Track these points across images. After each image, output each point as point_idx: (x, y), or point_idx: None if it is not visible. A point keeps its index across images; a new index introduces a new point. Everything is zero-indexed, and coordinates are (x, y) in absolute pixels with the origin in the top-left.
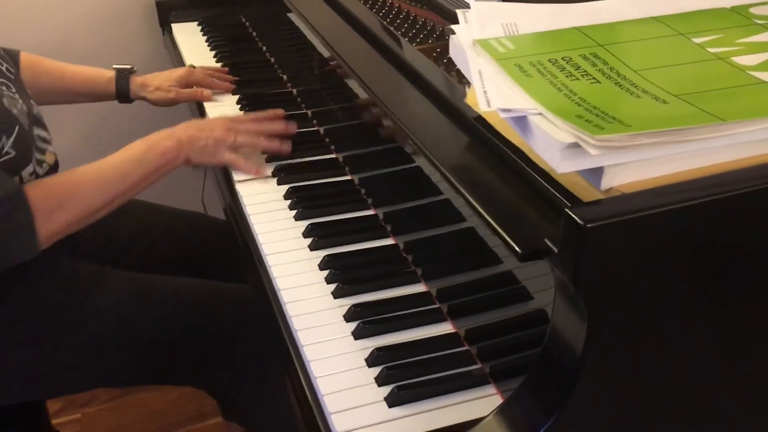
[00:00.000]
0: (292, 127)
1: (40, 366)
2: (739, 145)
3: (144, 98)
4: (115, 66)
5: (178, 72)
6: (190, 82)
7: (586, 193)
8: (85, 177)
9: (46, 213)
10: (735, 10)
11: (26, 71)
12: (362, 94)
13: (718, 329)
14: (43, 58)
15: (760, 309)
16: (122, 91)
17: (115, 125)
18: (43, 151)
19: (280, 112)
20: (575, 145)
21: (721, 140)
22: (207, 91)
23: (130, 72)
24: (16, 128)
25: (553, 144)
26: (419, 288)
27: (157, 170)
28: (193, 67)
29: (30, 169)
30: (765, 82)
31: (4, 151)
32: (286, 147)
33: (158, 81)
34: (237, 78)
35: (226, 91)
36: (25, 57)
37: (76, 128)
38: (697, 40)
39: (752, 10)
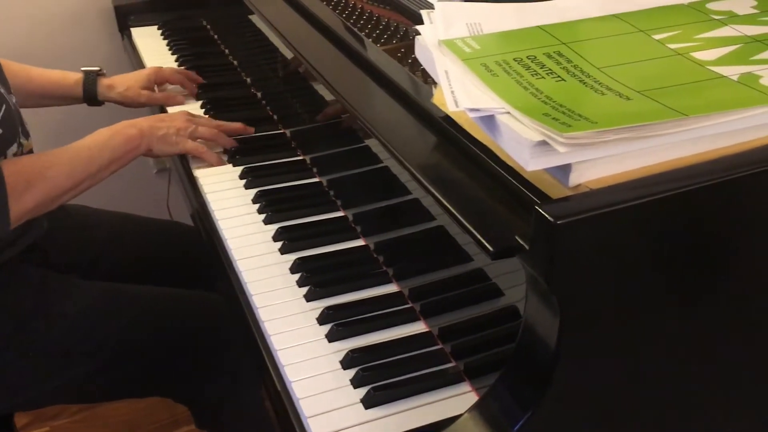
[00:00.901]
0: (250, 130)
1: (8, 373)
2: (701, 138)
3: (113, 100)
4: (82, 68)
5: (146, 72)
6: (158, 80)
7: (554, 190)
8: (54, 159)
9: (19, 192)
10: (692, 6)
11: None
12: (328, 96)
13: (690, 320)
14: (9, 62)
15: (730, 299)
16: (90, 94)
17: (88, 129)
18: (27, 136)
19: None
20: (543, 143)
21: (684, 134)
22: (180, 97)
23: (98, 74)
24: (3, 107)
25: (521, 142)
26: (391, 288)
27: (120, 157)
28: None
29: (14, 149)
30: (724, 76)
31: None
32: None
33: (126, 82)
34: (202, 79)
35: (192, 93)
36: None
37: (48, 131)
38: (657, 37)
39: (709, 5)
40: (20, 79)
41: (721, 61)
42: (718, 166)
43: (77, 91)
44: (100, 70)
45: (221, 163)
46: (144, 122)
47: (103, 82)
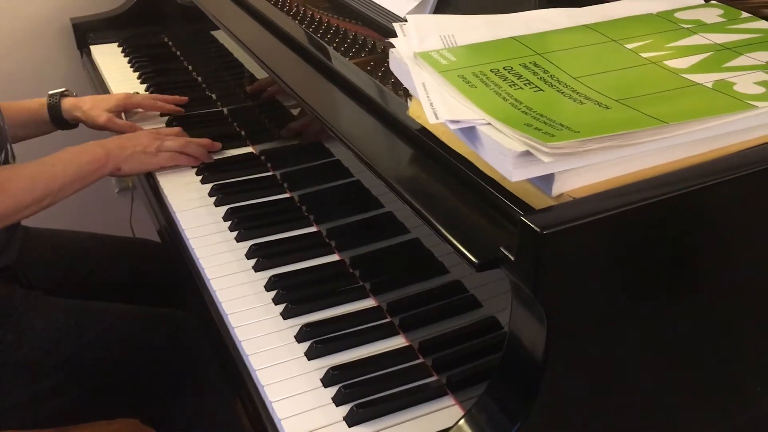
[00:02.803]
0: (217, 146)
1: None
2: (680, 145)
3: (77, 119)
4: (49, 92)
5: (116, 96)
6: (129, 107)
7: (536, 199)
8: (15, 173)
9: None
10: (661, 15)
11: None
12: (297, 110)
13: (676, 326)
14: None
15: (716, 303)
16: (55, 114)
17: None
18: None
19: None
20: (527, 153)
21: (664, 142)
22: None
23: (62, 95)
24: None
25: (504, 153)
26: (369, 303)
27: (85, 176)
28: (136, 93)
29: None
30: (698, 84)
31: None
32: (208, 158)
33: (92, 102)
34: (185, 98)
35: (173, 111)
36: None
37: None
38: (629, 46)
39: (677, 15)
40: None
41: (694, 68)
42: (698, 171)
43: (43, 114)
44: (65, 91)
45: (195, 162)
46: (111, 143)
47: (68, 101)
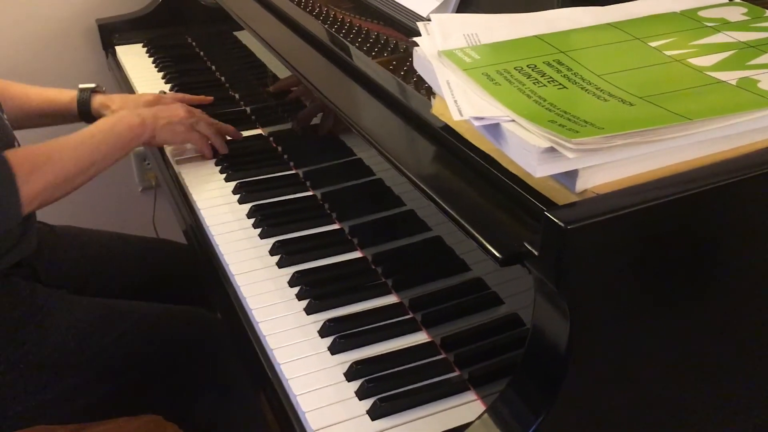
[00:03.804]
0: (240, 135)
1: None
2: (704, 142)
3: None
4: (80, 86)
5: (146, 97)
6: None
7: (560, 196)
8: (59, 144)
9: (25, 174)
10: (684, 14)
11: None
12: (320, 108)
13: (701, 322)
14: (8, 82)
15: (743, 300)
16: (84, 110)
17: None
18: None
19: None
20: (551, 150)
21: (688, 138)
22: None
23: (93, 91)
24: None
25: (529, 149)
26: (391, 299)
27: (125, 144)
28: (164, 93)
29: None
30: (723, 81)
31: None
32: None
33: (122, 102)
34: (210, 98)
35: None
36: None
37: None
38: (653, 44)
39: (701, 13)
40: (18, 99)
41: (718, 66)
42: (722, 168)
43: (72, 108)
44: (96, 87)
45: (212, 156)
46: (146, 111)
47: (98, 99)
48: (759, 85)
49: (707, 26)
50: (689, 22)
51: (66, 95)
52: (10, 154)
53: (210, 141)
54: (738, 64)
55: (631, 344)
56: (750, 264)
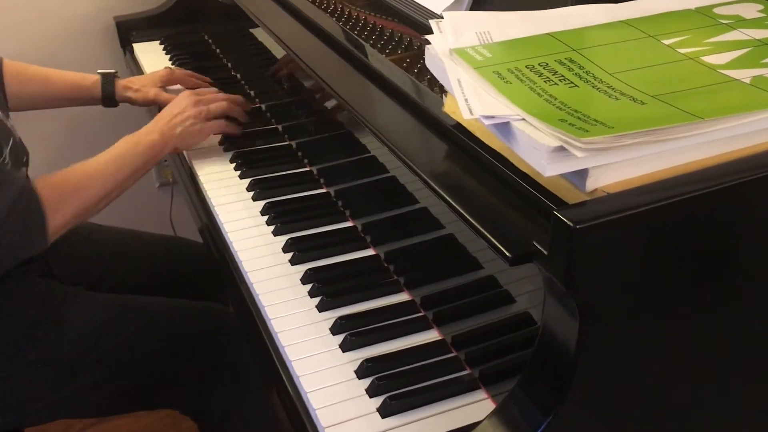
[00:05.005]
0: (249, 104)
1: (14, 384)
2: (716, 141)
3: (128, 99)
4: (99, 71)
5: (159, 73)
6: (171, 81)
7: (569, 195)
8: (84, 172)
9: (53, 206)
10: (699, 11)
11: (12, 79)
12: (333, 106)
13: (710, 321)
14: (27, 65)
15: (753, 300)
16: (108, 94)
17: (85, 132)
18: (27, 165)
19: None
20: (561, 149)
21: (700, 138)
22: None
23: (114, 76)
24: (11, 139)
25: (539, 148)
26: (403, 297)
27: (146, 163)
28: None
29: None
30: (736, 79)
31: (6, 161)
32: (245, 118)
33: (141, 81)
34: (212, 80)
35: None
36: (9, 64)
37: (46, 137)
38: (667, 42)
39: (716, 10)
40: (38, 83)
41: (732, 64)
42: (734, 168)
43: (95, 92)
44: (115, 72)
45: (239, 129)
46: (162, 125)
47: (120, 83)
48: None
49: (722, 23)
50: (704, 19)
51: (89, 79)
52: (39, 184)
53: (229, 113)
54: (752, 62)
55: (641, 344)
56: (762, 263)
